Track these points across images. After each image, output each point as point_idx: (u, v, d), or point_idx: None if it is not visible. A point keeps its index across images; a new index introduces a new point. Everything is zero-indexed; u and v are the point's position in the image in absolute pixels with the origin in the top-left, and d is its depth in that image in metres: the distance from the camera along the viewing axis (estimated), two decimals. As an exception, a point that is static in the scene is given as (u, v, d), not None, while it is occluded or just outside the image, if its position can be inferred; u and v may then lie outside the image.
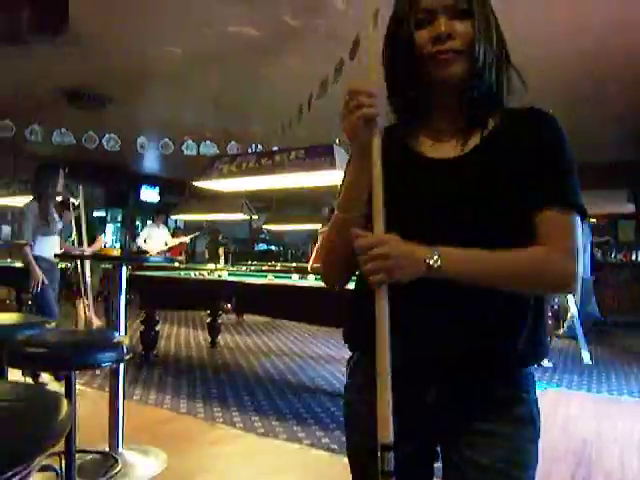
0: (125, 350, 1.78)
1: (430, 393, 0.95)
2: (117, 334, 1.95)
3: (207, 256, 10.20)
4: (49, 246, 3.99)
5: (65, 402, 1.05)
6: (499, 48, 0.96)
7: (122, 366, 2.46)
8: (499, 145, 0.95)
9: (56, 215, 4.14)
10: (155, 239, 8.18)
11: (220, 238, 10.53)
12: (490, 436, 0.93)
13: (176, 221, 12.84)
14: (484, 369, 0.93)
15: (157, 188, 12.57)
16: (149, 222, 8.34)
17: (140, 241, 8.18)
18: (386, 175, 0.88)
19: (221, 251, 9.67)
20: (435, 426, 0.98)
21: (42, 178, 4.09)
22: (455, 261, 0.87)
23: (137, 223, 14.97)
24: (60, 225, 4.23)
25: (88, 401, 3.39)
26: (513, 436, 0.94)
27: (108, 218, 16.31)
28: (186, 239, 8.84)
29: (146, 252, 7.28)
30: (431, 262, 0.85)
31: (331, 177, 4.22)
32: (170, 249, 8.36)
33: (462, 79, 0.93)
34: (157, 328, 4.87)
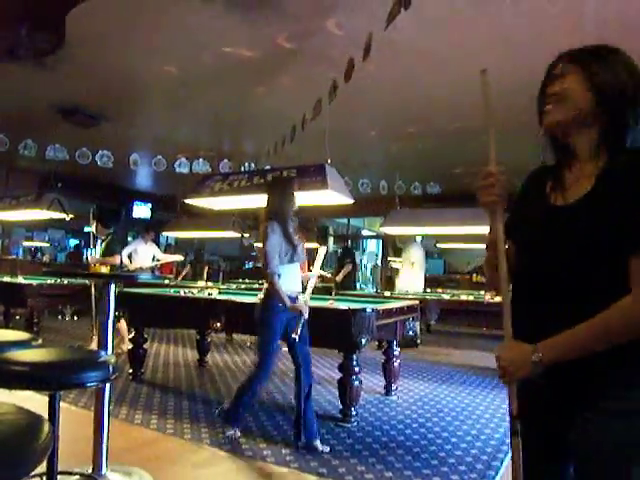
0: (111, 370, 1.75)
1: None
2: (104, 353, 1.92)
3: (189, 273, 10.11)
4: (292, 276, 3.22)
5: (47, 424, 1.03)
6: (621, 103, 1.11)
7: (108, 386, 2.42)
8: (609, 192, 1.07)
9: (297, 239, 3.27)
10: (141, 255, 7.86)
11: (203, 255, 10.44)
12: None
13: (167, 238, 12.81)
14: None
15: (149, 205, 12.55)
16: (138, 238, 8.12)
17: (123, 256, 7.12)
18: (524, 218, 1.23)
19: (205, 269, 9.59)
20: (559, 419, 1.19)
21: (278, 194, 3.26)
22: (552, 351, 1.08)
23: (129, 239, 14.91)
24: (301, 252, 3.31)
25: (73, 420, 3.33)
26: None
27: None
28: (179, 257, 8.69)
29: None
30: (534, 358, 1.09)
31: (322, 196, 4.23)
32: (161, 265, 8.26)
33: (564, 129, 1.17)
34: (145, 346, 4.82)
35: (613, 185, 1.06)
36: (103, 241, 5.94)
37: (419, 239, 9.72)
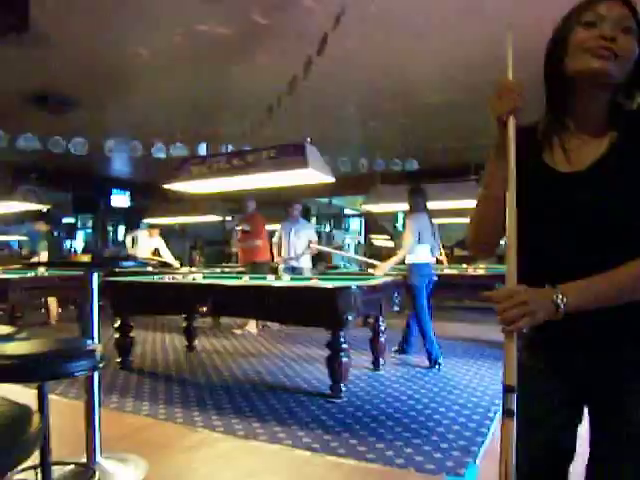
0: (99, 358, 1.75)
1: (579, 358, 1.12)
2: (90, 342, 1.91)
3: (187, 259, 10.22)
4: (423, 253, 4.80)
5: (36, 415, 1.03)
6: None
7: (97, 374, 2.41)
8: (628, 153, 1.04)
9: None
10: (141, 246, 8.21)
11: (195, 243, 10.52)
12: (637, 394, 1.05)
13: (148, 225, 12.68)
14: (622, 336, 1.07)
15: (128, 192, 12.36)
16: (141, 227, 8.55)
17: (128, 242, 8.49)
18: (521, 190, 1.05)
19: (195, 255, 9.61)
20: (584, 387, 1.14)
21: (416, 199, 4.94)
22: (575, 294, 1.00)
23: (108, 229, 14.71)
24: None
25: (63, 412, 3.32)
26: None
27: (78, 224, 16.01)
28: (177, 264, 8.53)
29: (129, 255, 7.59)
30: (557, 300, 0.98)
31: (303, 176, 4.22)
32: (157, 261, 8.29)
33: (608, 82, 1.04)
34: (132, 334, 4.80)
35: (633, 150, 1.03)
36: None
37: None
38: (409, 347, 5.23)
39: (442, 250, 5.75)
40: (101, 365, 1.80)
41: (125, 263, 4.14)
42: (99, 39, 4.51)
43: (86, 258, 3.32)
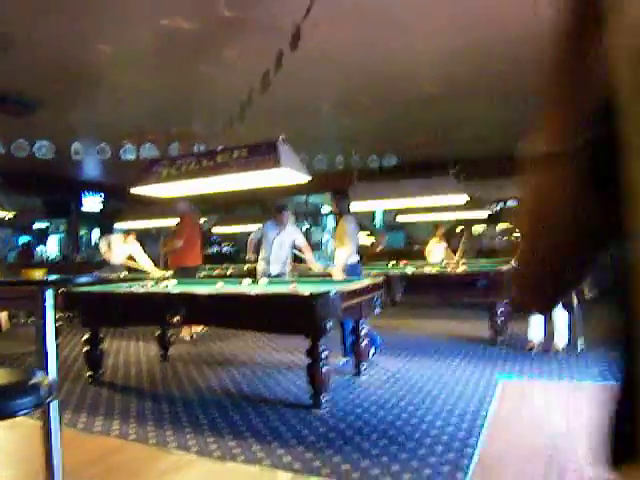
0: (43, 392, 1.54)
1: None
2: (38, 373, 1.70)
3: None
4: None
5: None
6: None
7: (54, 403, 2.19)
8: None
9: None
10: (115, 250, 7.97)
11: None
12: None
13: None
14: None
15: (100, 195, 12.01)
16: (117, 233, 8.31)
17: (104, 247, 8.12)
18: None
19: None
20: None
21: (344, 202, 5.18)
22: None
23: (82, 233, 14.32)
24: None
25: (31, 434, 3.08)
26: None
27: (51, 229, 15.56)
28: (155, 270, 8.14)
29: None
30: None
31: (277, 175, 4.04)
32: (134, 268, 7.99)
33: None
34: (102, 346, 4.55)
35: None
36: None
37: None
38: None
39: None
40: (49, 400, 1.59)
41: (83, 279, 3.88)
42: (61, 37, 4.27)
43: (40, 272, 3.02)
